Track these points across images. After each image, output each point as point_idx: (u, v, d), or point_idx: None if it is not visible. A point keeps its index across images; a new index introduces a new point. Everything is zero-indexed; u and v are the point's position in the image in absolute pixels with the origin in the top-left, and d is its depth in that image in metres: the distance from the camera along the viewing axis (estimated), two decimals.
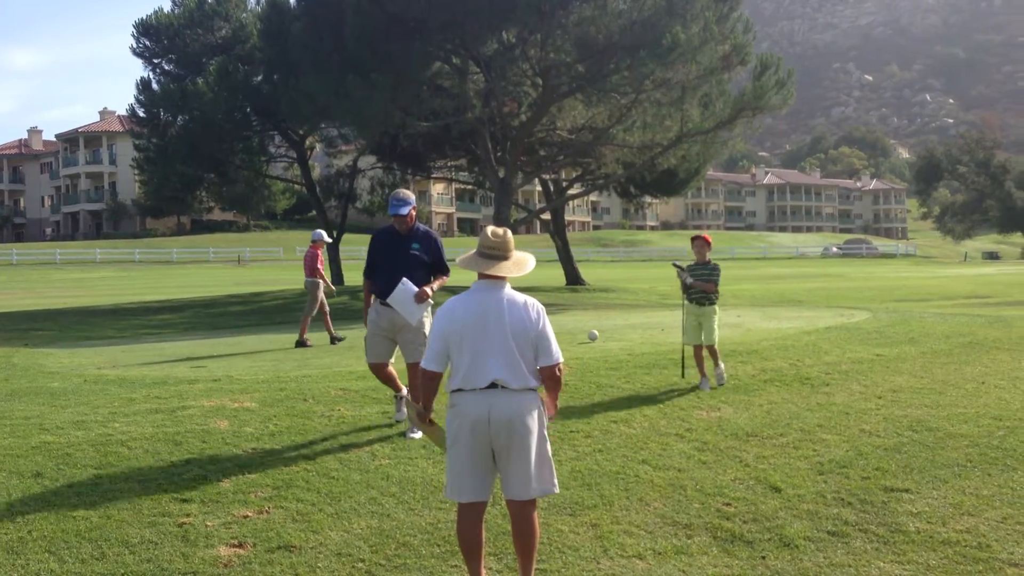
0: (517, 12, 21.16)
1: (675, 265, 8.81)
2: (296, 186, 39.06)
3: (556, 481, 4.04)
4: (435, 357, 4.00)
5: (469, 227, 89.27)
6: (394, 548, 4.49)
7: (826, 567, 4.31)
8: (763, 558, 4.42)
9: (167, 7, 30.34)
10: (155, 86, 28.64)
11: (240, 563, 4.28)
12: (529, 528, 3.95)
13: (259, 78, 28.10)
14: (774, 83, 23.16)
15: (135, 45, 29.52)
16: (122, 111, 39.58)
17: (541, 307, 3.99)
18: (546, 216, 34.99)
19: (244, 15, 30.07)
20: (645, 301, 24.07)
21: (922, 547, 4.54)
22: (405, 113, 22.41)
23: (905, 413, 7.33)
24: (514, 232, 4.92)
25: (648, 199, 49.01)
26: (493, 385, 3.85)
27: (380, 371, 6.72)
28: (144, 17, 29.66)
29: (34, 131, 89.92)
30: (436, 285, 6.56)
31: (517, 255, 4.05)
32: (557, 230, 32.43)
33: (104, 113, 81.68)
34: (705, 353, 8.44)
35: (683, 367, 8.64)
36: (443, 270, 6.64)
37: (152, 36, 29.49)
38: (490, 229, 4.10)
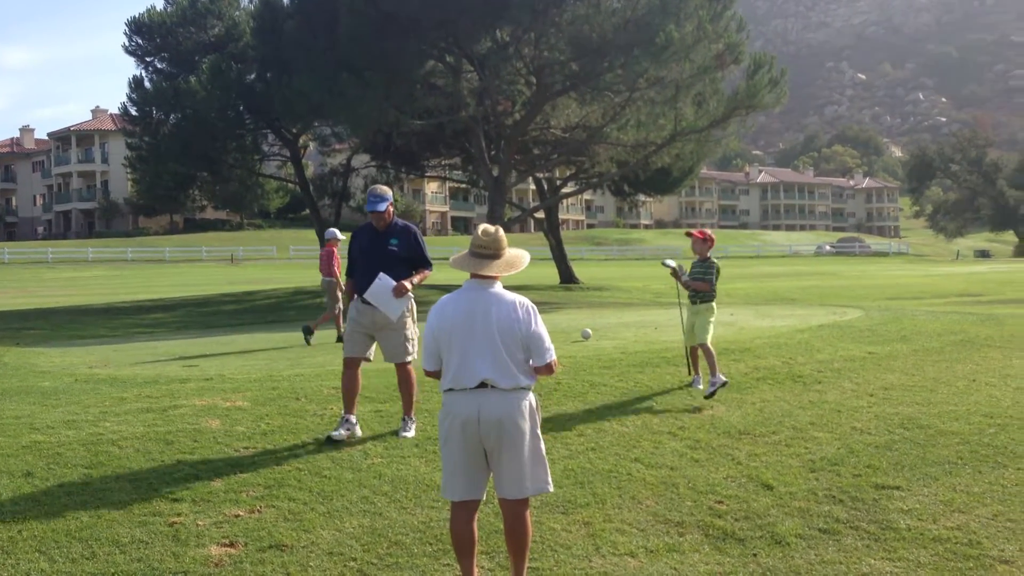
0: (511, 10, 21.17)
1: (665, 264, 8.57)
2: (290, 185, 38.92)
3: (550, 479, 4.02)
4: (431, 356, 4.01)
5: (463, 226, 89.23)
6: (386, 547, 4.48)
7: (817, 564, 4.32)
8: (755, 556, 4.42)
9: (160, 5, 30.25)
10: (148, 84, 28.59)
11: (231, 562, 4.27)
12: (522, 527, 3.93)
13: (252, 76, 28.01)
14: (767, 82, 23.23)
15: (128, 43, 29.44)
16: (115, 109, 39.38)
17: (532, 306, 3.95)
18: (540, 214, 35.06)
19: (237, 13, 29.97)
20: (639, 299, 24.09)
21: (913, 544, 4.55)
22: (399, 111, 22.42)
23: (896, 411, 7.35)
24: (508, 230, 4.92)
25: (642, 197, 49.14)
26: (483, 385, 3.84)
27: (351, 373, 6.46)
28: (137, 15, 29.57)
29: (26, 129, 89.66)
30: (417, 279, 6.46)
31: (509, 253, 4.02)
32: (551, 228, 32.44)
33: (96, 111, 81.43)
34: (700, 352, 8.37)
35: (689, 366, 8.53)
36: (424, 264, 6.55)
37: (145, 34, 29.39)
38: (481, 227, 4.09)
